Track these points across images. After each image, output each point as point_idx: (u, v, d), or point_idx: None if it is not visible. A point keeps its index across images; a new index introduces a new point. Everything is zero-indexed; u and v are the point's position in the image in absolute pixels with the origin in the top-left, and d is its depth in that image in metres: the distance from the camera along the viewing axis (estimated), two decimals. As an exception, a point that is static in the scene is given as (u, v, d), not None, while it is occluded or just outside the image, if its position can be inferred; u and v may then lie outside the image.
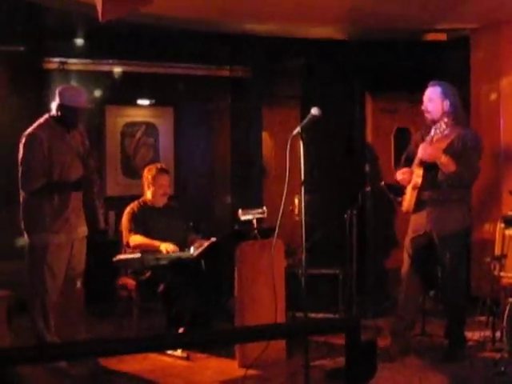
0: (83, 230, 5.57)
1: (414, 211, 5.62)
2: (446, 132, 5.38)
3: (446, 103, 5.45)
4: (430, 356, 5.62)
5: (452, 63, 8.04)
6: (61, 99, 5.38)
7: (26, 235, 5.43)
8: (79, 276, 5.55)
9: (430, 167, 5.46)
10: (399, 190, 5.85)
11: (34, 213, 5.38)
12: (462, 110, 5.65)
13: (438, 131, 5.38)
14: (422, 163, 5.48)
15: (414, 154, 5.63)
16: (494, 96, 7.25)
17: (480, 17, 7.19)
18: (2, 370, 2.35)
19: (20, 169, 5.33)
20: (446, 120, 5.38)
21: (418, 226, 5.62)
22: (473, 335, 5.90)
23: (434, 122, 5.47)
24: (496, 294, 5.92)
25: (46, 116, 5.46)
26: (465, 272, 5.68)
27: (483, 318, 6.03)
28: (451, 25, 7.62)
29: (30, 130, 5.38)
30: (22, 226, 5.44)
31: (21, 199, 5.43)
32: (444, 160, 5.36)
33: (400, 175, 5.67)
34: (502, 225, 6.09)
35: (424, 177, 5.47)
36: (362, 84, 8.40)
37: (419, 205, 5.56)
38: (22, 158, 5.32)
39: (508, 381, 4.94)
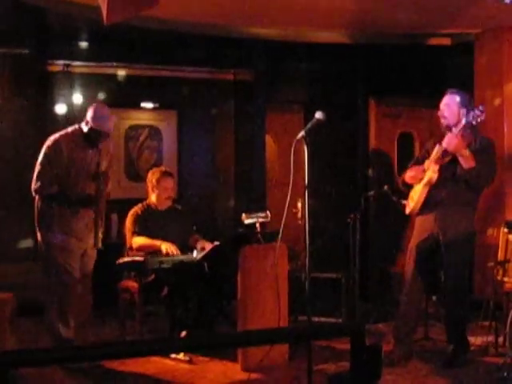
0: (92, 242, 5.65)
1: (421, 213, 5.60)
2: (463, 134, 5.43)
3: (463, 112, 5.48)
4: (433, 360, 5.61)
5: (456, 68, 8.05)
6: (91, 117, 5.52)
7: (39, 234, 5.55)
8: (88, 277, 5.62)
9: (447, 164, 5.46)
10: (402, 194, 5.85)
11: (44, 215, 5.51)
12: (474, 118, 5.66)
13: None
14: (440, 159, 5.46)
15: (424, 161, 5.63)
16: (497, 100, 7.25)
17: (484, 22, 7.19)
18: (6, 372, 2.35)
19: (36, 169, 5.47)
20: (457, 129, 5.44)
21: (424, 228, 5.61)
22: (476, 340, 5.89)
23: (450, 128, 5.50)
24: (499, 299, 5.92)
25: (76, 126, 5.62)
26: (467, 277, 5.67)
27: (486, 323, 6.03)
28: (455, 29, 7.62)
29: (56, 135, 5.54)
30: (36, 226, 5.55)
31: (35, 201, 5.53)
32: (466, 153, 5.36)
33: (411, 172, 5.67)
34: (506, 230, 6.09)
35: (440, 173, 5.47)
36: (366, 89, 8.41)
37: (426, 206, 5.55)
38: (40, 160, 5.47)
39: (511, 386, 4.94)
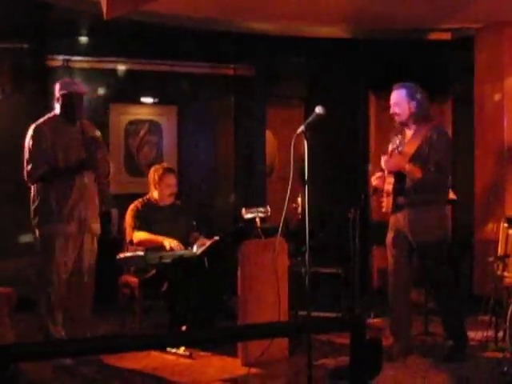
0: (96, 226, 5.68)
1: (393, 212, 5.62)
2: (412, 138, 5.44)
3: (413, 104, 5.49)
4: (433, 355, 5.61)
5: (456, 62, 8.04)
6: (57, 91, 5.54)
7: (35, 229, 5.54)
8: (88, 270, 5.61)
9: (400, 174, 5.47)
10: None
11: (40, 205, 5.48)
12: (428, 106, 5.64)
13: (404, 141, 5.43)
14: (391, 172, 5.50)
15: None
16: (497, 95, 7.24)
17: (484, 17, 7.19)
18: (5, 366, 2.35)
19: (25, 158, 5.46)
20: (412, 122, 5.46)
21: (398, 225, 5.62)
22: (475, 335, 5.89)
23: (403, 123, 5.53)
24: (499, 294, 5.92)
25: (50, 114, 5.62)
26: (449, 273, 5.65)
27: (486, 318, 6.02)
28: (456, 24, 7.62)
29: (36, 122, 5.53)
30: (32, 220, 5.53)
31: (31, 192, 5.52)
32: (408, 168, 5.38)
33: (375, 181, 5.68)
34: (506, 224, 6.09)
35: (394, 184, 5.48)
36: (366, 83, 8.40)
37: (396, 207, 5.57)
38: (27, 147, 5.47)
39: (511, 381, 4.93)
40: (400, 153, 5.49)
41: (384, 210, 5.67)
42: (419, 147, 5.44)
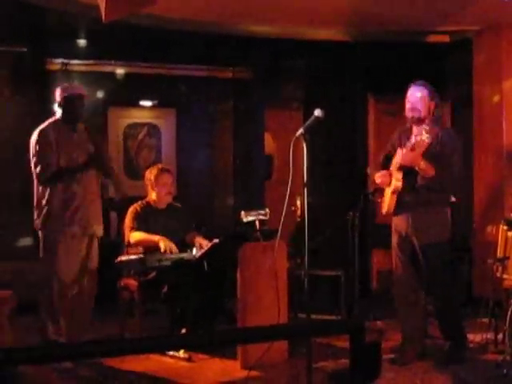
0: (99, 228, 5.73)
1: (395, 214, 5.60)
2: (424, 136, 5.42)
3: (432, 105, 5.50)
4: (432, 358, 5.61)
5: (454, 65, 8.05)
6: (58, 95, 5.59)
7: (38, 231, 5.57)
8: (90, 273, 5.64)
9: (409, 171, 5.45)
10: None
11: (44, 207, 5.51)
12: (440, 110, 5.69)
13: (418, 138, 5.40)
14: (402, 167, 5.47)
15: (392, 153, 5.63)
16: (496, 98, 7.25)
17: (482, 19, 7.20)
18: (4, 369, 2.35)
19: (33, 161, 5.50)
20: (427, 124, 5.41)
21: (399, 229, 5.60)
22: (475, 337, 5.88)
23: (419, 121, 5.48)
24: (498, 296, 5.91)
25: (52, 119, 5.65)
26: (449, 277, 5.64)
27: (485, 320, 6.02)
28: (454, 27, 7.63)
29: (40, 126, 5.57)
30: (35, 222, 5.56)
31: (35, 196, 5.55)
32: (423, 166, 5.35)
33: (378, 178, 5.65)
34: (505, 227, 6.08)
35: (404, 181, 5.46)
36: (365, 86, 8.40)
37: (399, 207, 5.54)
38: (34, 151, 5.50)
39: (510, 383, 4.93)
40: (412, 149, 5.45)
41: (385, 210, 5.63)
42: (430, 146, 5.41)
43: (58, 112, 5.62)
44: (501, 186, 7.15)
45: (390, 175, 5.56)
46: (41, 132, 5.51)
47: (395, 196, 5.50)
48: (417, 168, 5.36)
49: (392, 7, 6.85)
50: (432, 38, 7.98)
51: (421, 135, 5.27)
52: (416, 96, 5.50)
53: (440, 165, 5.35)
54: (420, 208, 5.45)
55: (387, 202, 5.57)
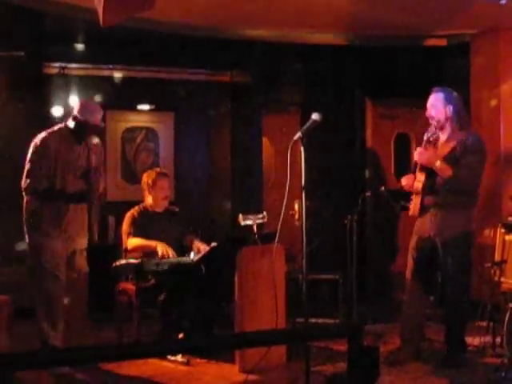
0: (83, 242, 5.65)
1: (419, 215, 5.62)
2: (446, 141, 5.45)
3: (449, 108, 5.49)
4: (431, 361, 5.61)
5: (452, 69, 8.06)
6: (77, 111, 5.51)
7: (26, 237, 5.52)
8: (81, 281, 5.59)
9: (431, 172, 5.47)
10: (400, 195, 5.86)
11: (33, 215, 5.45)
12: (465, 114, 5.70)
13: (429, 135, 5.46)
14: (423, 168, 5.50)
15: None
16: (494, 101, 7.25)
17: (479, 22, 7.21)
18: (2, 374, 2.34)
19: (25, 167, 5.43)
20: (449, 126, 5.47)
21: (423, 228, 5.62)
22: (473, 341, 5.88)
23: (440, 127, 5.53)
24: (496, 300, 5.92)
25: (62, 124, 5.61)
26: (467, 278, 5.65)
27: (483, 324, 6.03)
28: (451, 30, 7.63)
29: (43, 133, 5.51)
30: (24, 227, 5.51)
31: (24, 202, 5.49)
32: (438, 165, 5.39)
33: (404, 181, 5.68)
34: (503, 230, 6.09)
35: (425, 182, 5.49)
36: (363, 90, 8.41)
37: (424, 209, 5.56)
38: (29, 159, 5.44)
39: (509, 386, 4.94)
40: (434, 144, 5.49)
41: (411, 212, 5.65)
42: (453, 149, 5.44)
43: (70, 123, 5.54)
44: (498, 190, 7.15)
45: (415, 178, 5.58)
46: (42, 141, 5.43)
47: (419, 198, 5.53)
48: (433, 167, 5.39)
49: (390, 12, 6.86)
50: (429, 42, 7.99)
51: (434, 133, 5.36)
52: (430, 103, 5.57)
53: (458, 166, 5.37)
54: (442, 211, 5.47)
55: (413, 204, 5.60)
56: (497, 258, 6.05)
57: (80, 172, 5.52)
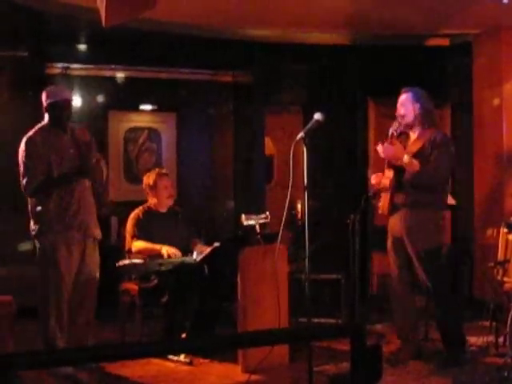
0: (97, 232, 5.64)
1: (390, 214, 5.63)
2: (416, 139, 5.50)
3: (417, 106, 5.55)
4: (433, 361, 5.60)
5: (454, 68, 8.05)
6: (44, 101, 5.51)
7: (35, 239, 5.49)
8: (90, 278, 5.55)
9: (399, 169, 5.49)
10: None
11: (40, 215, 5.43)
12: (434, 113, 5.73)
13: (392, 130, 5.51)
14: (391, 165, 5.53)
15: None
16: (496, 101, 7.25)
17: (482, 22, 7.20)
18: (5, 374, 2.35)
19: (20, 170, 5.43)
20: (418, 124, 5.55)
21: (395, 228, 5.62)
22: (476, 340, 5.88)
23: (409, 126, 5.58)
24: (499, 299, 5.91)
25: (43, 122, 5.58)
26: (447, 279, 5.64)
27: (486, 323, 6.02)
28: (454, 30, 7.63)
29: (28, 133, 5.50)
30: (31, 230, 5.47)
31: (29, 204, 5.48)
32: (406, 159, 5.41)
33: (373, 179, 5.70)
34: (505, 229, 6.08)
35: (393, 179, 5.50)
36: (365, 89, 8.40)
37: (394, 208, 5.58)
38: (20, 161, 5.44)
39: (511, 386, 4.93)
40: (399, 137, 5.54)
41: (380, 211, 5.67)
42: (422, 147, 5.48)
43: (46, 117, 5.54)
44: (501, 189, 7.14)
45: (383, 175, 5.60)
46: (28, 141, 5.43)
47: (387, 195, 5.55)
48: (401, 163, 5.41)
49: (392, 11, 6.85)
50: (432, 42, 7.98)
51: (398, 127, 5.50)
52: (399, 102, 5.67)
53: (429, 162, 5.39)
54: (411, 211, 5.48)
55: (382, 202, 5.62)
56: (500, 257, 6.05)
57: (76, 155, 5.50)
